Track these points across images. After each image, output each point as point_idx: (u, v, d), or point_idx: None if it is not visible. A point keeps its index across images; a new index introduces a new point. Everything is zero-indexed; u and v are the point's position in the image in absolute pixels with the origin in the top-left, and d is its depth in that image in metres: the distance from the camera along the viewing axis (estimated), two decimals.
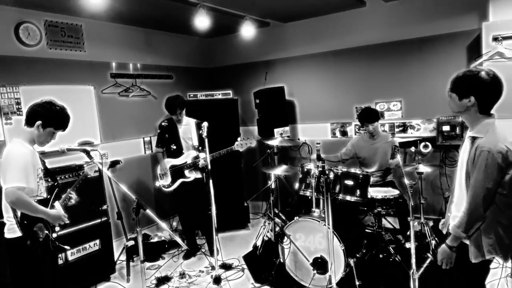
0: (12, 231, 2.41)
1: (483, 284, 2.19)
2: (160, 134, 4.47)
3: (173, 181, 4.32)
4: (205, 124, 3.57)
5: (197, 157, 4.27)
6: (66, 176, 3.69)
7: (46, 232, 2.49)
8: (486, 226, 2.02)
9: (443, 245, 2.13)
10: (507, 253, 2.07)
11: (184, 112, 4.36)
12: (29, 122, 2.49)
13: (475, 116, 2.06)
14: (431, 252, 3.68)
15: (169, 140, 4.40)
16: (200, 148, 4.30)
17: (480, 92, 2.00)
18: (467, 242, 2.08)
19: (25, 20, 3.96)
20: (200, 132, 4.29)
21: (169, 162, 4.36)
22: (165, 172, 4.35)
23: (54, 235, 2.56)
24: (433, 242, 3.89)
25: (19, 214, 2.37)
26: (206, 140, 3.55)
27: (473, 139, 2.03)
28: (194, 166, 4.27)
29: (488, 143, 1.95)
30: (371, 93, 5.16)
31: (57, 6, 4.03)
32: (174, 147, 4.38)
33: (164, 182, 4.38)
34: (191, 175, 4.31)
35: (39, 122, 2.46)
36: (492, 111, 2.08)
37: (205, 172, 3.63)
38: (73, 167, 3.78)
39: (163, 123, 4.45)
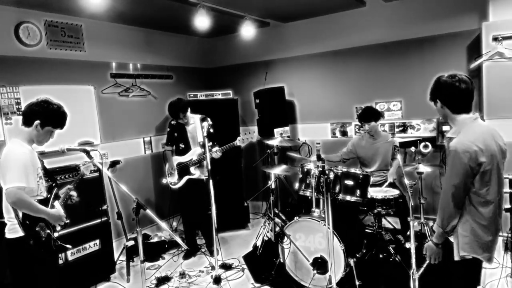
0: (14, 231, 2.41)
1: (478, 280, 2.27)
2: (169, 133, 4.49)
3: (179, 178, 4.36)
4: (205, 125, 3.57)
5: (202, 154, 4.27)
6: (66, 176, 3.69)
7: (48, 231, 2.49)
8: (462, 224, 2.10)
9: (429, 242, 2.24)
10: (490, 251, 2.11)
11: (187, 113, 4.36)
12: (27, 121, 2.48)
13: (451, 117, 2.15)
14: None
15: (178, 139, 4.43)
16: (210, 144, 4.26)
17: (441, 94, 2.12)
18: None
19: (25, 20, 3.95)
20: (208, 128, 4.27)
21: (176, 159, 4.41)
22: (173, 170, 4.39)
23: (56, 234, 2.56)
24: None
25: (20, 214, 2.37)
26: (206, 140, 3.55)
27: (450, 139, 2.12)
28: (199, 163, 4.29)
29: (456, 143, 2.03)
30: (371, 93, 5.16)
31: (57, 6, 4.03)
32: (183, 146, 4.41)
33: (171, 180, 4.43)
34: (196, 172, 4.33)
35: (37, 122, 2.45)
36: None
37: (206, 171, 3.63)
38: (72, 167, 3.77)
39: (172, 122, 4.47)
